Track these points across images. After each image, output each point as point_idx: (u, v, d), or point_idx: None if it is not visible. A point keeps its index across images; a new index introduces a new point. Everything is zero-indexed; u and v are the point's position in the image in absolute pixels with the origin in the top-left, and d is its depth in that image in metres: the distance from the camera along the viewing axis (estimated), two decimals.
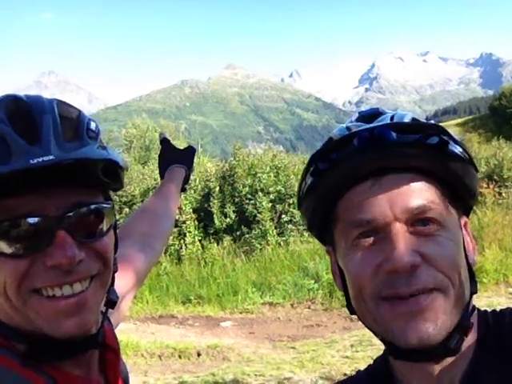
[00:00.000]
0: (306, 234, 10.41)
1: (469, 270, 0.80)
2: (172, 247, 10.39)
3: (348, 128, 0.81)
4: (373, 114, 0.82)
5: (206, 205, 10.97)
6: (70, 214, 0.76)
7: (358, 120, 0.83)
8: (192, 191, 10.97)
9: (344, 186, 0.78)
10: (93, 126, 0.83)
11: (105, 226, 0.82)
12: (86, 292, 0.78)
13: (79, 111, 0.84)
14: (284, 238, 10.44)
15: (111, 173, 0.82)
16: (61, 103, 0.82)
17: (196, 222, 10.74)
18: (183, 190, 1.67)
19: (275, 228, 10.60)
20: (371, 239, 0.76)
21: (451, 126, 54.08)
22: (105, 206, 0.83)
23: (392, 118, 0.79)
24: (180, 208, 10.37)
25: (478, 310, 0.84)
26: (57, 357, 0.80)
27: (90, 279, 0.79)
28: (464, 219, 0.84)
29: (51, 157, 0.71)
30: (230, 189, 11.04)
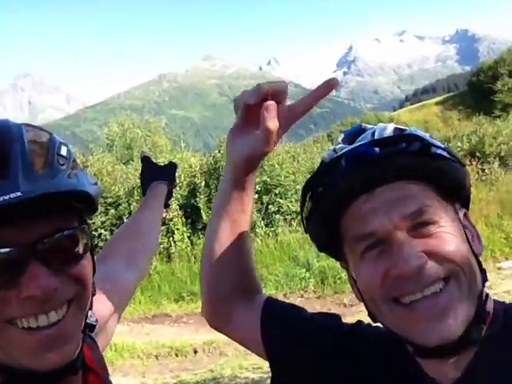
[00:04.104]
0: (294, 223, 10.44)
1: (475, 259, 0.82)
2: (161, 245, 10.31)
3: (335, 150, 0.86)
4: (356, 132, 0.87)
5: (192, 200, 10.91)
6: (43, 241, 0.73)
7: (343, 140, 0.88)
8: (177, 188, 10.90)
9: (341, 204, 0.83)
10: (63, 151, 0.79)
11: (81, 249, 0.79)
12: (65, 320, 0.75)
13: (50, 135, 0.80)
14: (272, 229, 10.43)
15: (84, 199, 0.79)
16: (30, 128, 0.78)
17: (183, 219, 10.68)
18: (166, 205, 1.66)
19: (263, 219, 10.59)
20: (377, 251, 0.79)
21: (431, 105, 54.45)
22: (79, 229, 0.80)
23: (374, 133, 0.84)
24: None
25: (494, 300, 0.86)
26: None
27: (67, 305, 0.77)
28: (463, 211, 0.87)
29: (18, 193, 0.67)
30: (215, 182, 10.94)
